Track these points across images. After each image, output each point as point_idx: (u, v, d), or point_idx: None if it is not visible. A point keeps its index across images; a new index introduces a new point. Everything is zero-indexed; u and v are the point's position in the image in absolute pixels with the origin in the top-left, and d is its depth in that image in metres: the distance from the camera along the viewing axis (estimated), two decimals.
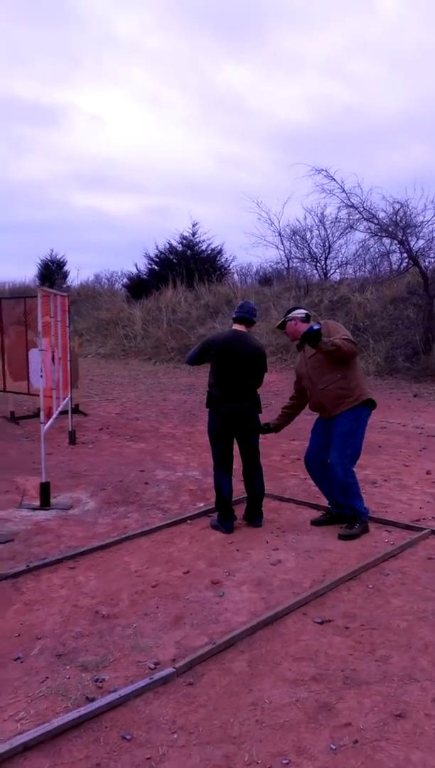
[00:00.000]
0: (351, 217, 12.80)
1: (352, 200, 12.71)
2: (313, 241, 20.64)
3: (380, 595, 3.46)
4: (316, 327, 4.05)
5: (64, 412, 9.70)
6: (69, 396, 7.61)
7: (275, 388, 12.31)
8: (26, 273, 38.40)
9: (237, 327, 4.59)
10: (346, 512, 4.52)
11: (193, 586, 3.60)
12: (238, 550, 4.14)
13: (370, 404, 4.43)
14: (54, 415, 6.83)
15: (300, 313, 4.62)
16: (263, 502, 4.70)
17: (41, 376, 5.48)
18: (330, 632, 3.07)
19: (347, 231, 14.16)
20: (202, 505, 5.14)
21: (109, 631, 3.11)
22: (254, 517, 4.62)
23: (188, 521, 4.73)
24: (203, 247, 24.38)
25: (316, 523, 4.61)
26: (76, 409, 9.73)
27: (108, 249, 44.47)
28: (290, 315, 4.60)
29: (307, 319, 4.61)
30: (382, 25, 43.39)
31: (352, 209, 12.67)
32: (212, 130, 49.28)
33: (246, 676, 2.69)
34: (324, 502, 5.08)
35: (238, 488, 5.03)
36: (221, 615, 3.27)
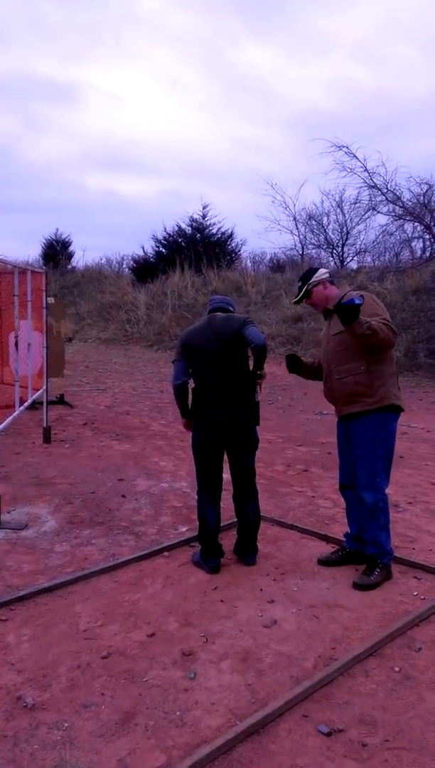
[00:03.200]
0: (373, 199, 11.73)
1: (374, 180, 11.64)
2: (330, 226, 19.65)
3: (410, 685, 2.51)
4: (357, 301, 3.09)
5: (53, 402, 8.82)
6: (44, 387, 6.68)
7: (283, 382, 11.34)
8: (30, 252, 37.21)
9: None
10: (366, 550, 3.55)
11: (155, 660, 2.68)
12: (222, 601, 3.20)
13: (396, 410, 3.46)
14: (17, 410, 5.92)
15: (324, 273, 3.60)
16: (260, 528, 3.76)
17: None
18: (340, 751, 2.14)
19: (368, 214, 13.13)
20: (185, 529, 4.20)
21: (28, 735, 2.20)
22: (247, 554, 3.69)
23: (165, 553, 3.80)
24: (214, 231, 23.39)
25: (324, 562, 3.66)
26: (60, 400, 8.84)
27: (120, 232, 43.40)
28: (314, 279, 3.55)
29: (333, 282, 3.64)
30: (415, 5, 41.61)
31: (374, 190, 11.63)
32: (233, 113, 47.83)
33: None
34: (335, 530, 4.13)
35: (228, 511, 4.10)
36: (189, 712, 2.34)
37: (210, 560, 3.56)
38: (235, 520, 3.90)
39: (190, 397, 3.63)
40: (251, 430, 3.60)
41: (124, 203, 43.03)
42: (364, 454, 3.44)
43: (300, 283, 3.61)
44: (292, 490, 5.14)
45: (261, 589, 3.33)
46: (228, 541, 3.88)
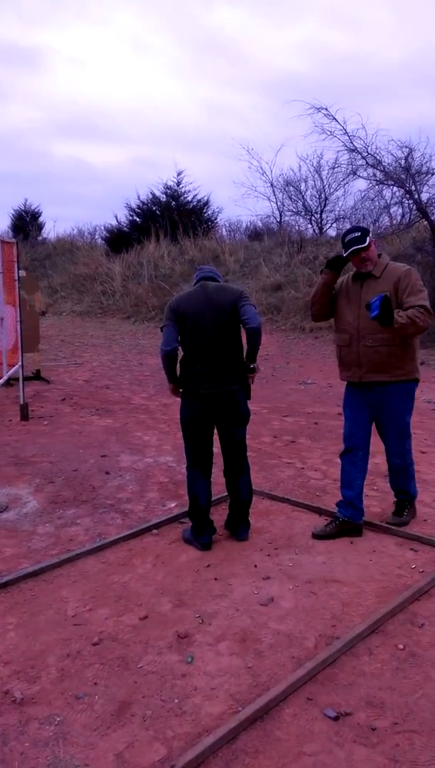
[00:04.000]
0: (353, 163, 11.45)
1: (354, 143, 11.35)
2: (308, 192, 19.25)
3: (416, 663, 2.43)
4: (374, 309, 3.20)
5: (29, 378, 8.54)
6: (19, 363, 6.44)
7: (264, 352, 11.18)
8: None
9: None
10: (356, 519, 3.53)
11: (150, 645, 2.55)
12: (216, 579, 3.08)
13: (417, 381, 3.64)
14: None
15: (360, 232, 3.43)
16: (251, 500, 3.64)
17: None
18: (349, 737, 2.04)
19: (348, 179, 12.81)
20: (173, 505, 4.07)
21: (18, 732, 2.06)
22: (239, 528, 3.57)
23: (154, 530, 3.66)
24: (189, 198, 22.86)
25: (319, 536, 3.56)
26: (37, 376, 8.58)
27: (91, 202, 42.26)
28: (370, 236, 3.45)
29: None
30: None
31: (354, 154, 11.32)
32: (203, 77, 46.56)
33: None
34: (328, 502, 4.03)
35: (218, 486, 3.97)
36: (188, 699, 2.23)
37: (201, 537, 3.43)
38: (225, 494, 3.77)
39: (178, 366, 3.46)
40: (242, 403, 3.45)
41: (94, 172, 41.87)
42: (394, 422, 3.58)
43: (359, 233, 3.41)
44: (280, 462, 5.03)
45: (255, 566, 3.22)
46: (218, 516, 3.76)
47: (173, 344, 3.38)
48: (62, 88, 50.16)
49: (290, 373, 9.28)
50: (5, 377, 5.88)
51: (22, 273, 20.15)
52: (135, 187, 46.76)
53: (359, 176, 11.55)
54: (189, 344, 3.39)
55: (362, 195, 15.80)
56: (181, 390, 3.49)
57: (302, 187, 19.20)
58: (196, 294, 3.39)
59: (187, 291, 3.46)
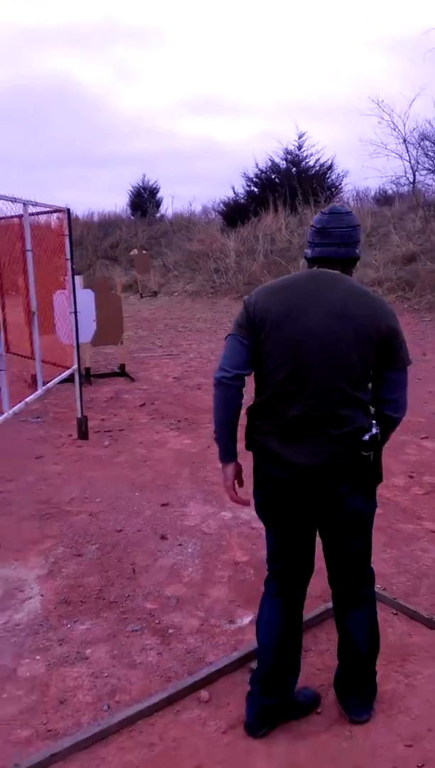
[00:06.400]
0: None
1: None
2: None
3: None
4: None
5: (111, 374, 7.34)
6: (75, 365, 5.15)
7: None
8: (117, 201, 35.38)
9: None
10: None
11: None
12: None
13: None
14: (30, 396, 4.44)
15: None
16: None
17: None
18: None
19: None
20: (248, 621, 2.52)
21: None
22: (351, 700, 1.97)
23: (202, 692, 2.14)
24: (311, 163, 20.73)
25: None
26: (121, 371, 7.34)
27: (213, 177, 40.89)
28: None
29: None
30: None
31: None
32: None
33: None
34: None
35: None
36: None
37: (253, 706, 1.89)
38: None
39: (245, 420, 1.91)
40: (358, 494, 1.82)
41: (218, 148, 40.37)
42: None
43: None
44: (421, 529, 3.30)
45: None
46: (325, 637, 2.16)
47: (236, 370, 1.82)
48: (184, 64, 48.98)
49: (430, 370, 7.30)
50: (45, 387, 4.62)
51: (134, 252, 19.36)
52: (254, 157, 44.92)
53: None
54: (265, 379, 1.82)
55: None
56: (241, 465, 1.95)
57: None
58: (301, 287, 1.81)
59: (285, 280, 1.88)
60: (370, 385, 1.85)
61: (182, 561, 3.03)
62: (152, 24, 48.75)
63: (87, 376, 7.01)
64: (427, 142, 16.67)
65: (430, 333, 9.70)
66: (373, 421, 1.82)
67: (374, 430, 1.80)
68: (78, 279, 6.37)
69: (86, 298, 6.33)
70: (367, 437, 1.78)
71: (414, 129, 20.91)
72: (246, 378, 1.84)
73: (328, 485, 1.80)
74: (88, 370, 7.05)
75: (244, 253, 17.43)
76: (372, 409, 1.85)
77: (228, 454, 1.92)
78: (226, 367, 1.83)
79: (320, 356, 1.73)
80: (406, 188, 17.90)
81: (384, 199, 18.62)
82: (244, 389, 1.85)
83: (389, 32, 33.99)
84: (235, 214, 20.63)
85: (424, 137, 16.70)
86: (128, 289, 18.06)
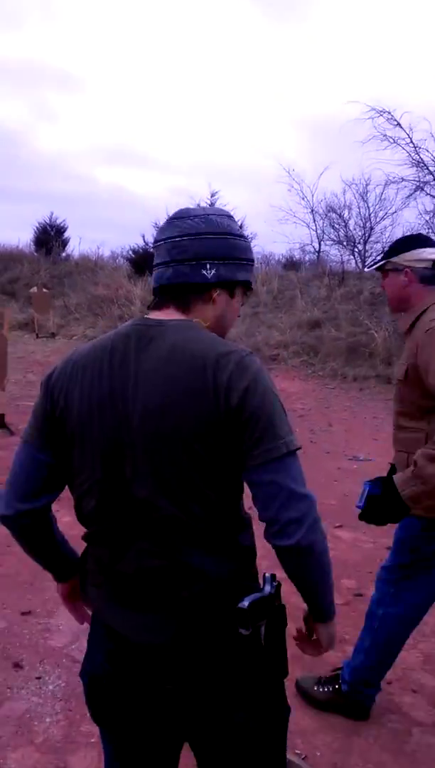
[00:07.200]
0: (419, 179, 9.34)
1: (421, 155, 9.26)
2: (352, 221, 17.22)
3: None
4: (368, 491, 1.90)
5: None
6: None
7: (300, 406, 8.96)
8: (21, 236, 34.36)
9: (155, 316, 1.23)
10: None
11: None
12: None
13: None
14: None
15: (428, 254, 1.97)
16: None
17: None
18: None
19: (413, 195, 10.68)
20: None
21: None
22: None
23: None
24: None
25: None
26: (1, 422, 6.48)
27: (127, 227, 40.81)
28: (404, 257, 2.00)
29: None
30: None
31: (420, 168, 9.21)
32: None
33: None
34: None
35: None
36: None
37: None
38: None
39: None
40: (253, 711, 1.16)
41: (130, 196, 40.46)
42: None
43: (390, 248, 2.11)
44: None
45: None
46: None
47: (23, 503, 1.20)
48: (102, 110, 49.42)
49: (335, 441, 7.02)
50: None
51: (34, 289, 18.35)
52: (166, 209, 45.48)
53: (428, 194, 9.42)
54: (80, 507, 1.20)
55: (411, 226, 13.60)
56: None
57: (345, 215, 17.19)
58: (114, 354, 1.15)
59: (100, 340, 1.22)
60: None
61: (39, 706, 2.30)
62: (76, 69, 49.08)
63: None
64: (334, 214, 17.29)
65: (334, 401, 9.56)
66: (267, 575, 1.12)
67: (267, 588, 1.10)
68: None
69: None
70: (246, 603, 1.05)
71: (322, 201, 21.82)
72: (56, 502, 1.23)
73: (182, 681, 1.14)
74: None
75: (150, 301, 17.05)
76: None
77: (58, 578, 1.35)
78: (10, 496, 1.19)
79: (143, 469, 1.09)
80: (310, 256, 18.42)
81: (291, 263, 19.04)
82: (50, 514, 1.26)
83: (302, 111, 36.13)
84: (143, 261, 20.34)
85: (330, 209, 17.33)
86: (24, 327, 17.08)
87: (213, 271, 1.17)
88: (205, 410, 1.06)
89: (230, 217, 1.25)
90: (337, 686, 2.30)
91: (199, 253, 1.17)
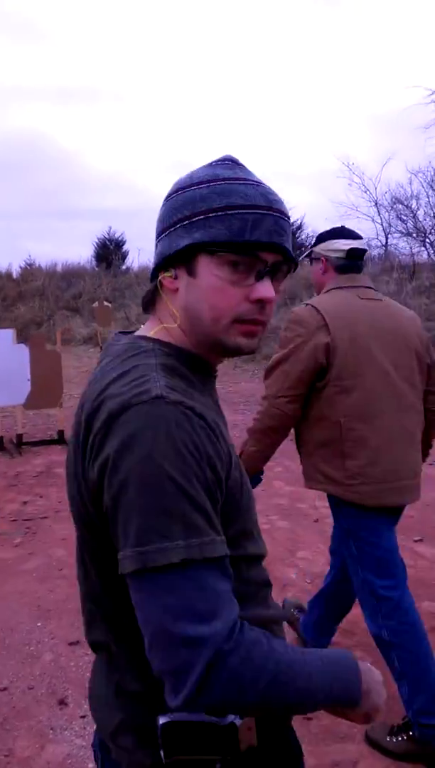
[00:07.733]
0: None
1: None
2: (421, 210, 16.47)
3: None
4: None
5: (47, 442, 6.24)
6: None
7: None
8: (83, 253, 34.94)
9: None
10: None
11: None
12: None
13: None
14: None
15: (342, 245, 2.13)
16: None
17: None
18: None
19: None
20: None
21: None
22: None
23: None
24: None
25: None
26: (60, 438, 6.42)
27: None
28: (320, 248, 2.18)
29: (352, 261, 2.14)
30: None
31: None
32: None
33: None
34: None
35: None
36: None
37: None
38: None
39: None
40: None
41: None
42: None
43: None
44: None
45: None
46: None
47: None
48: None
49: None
50: None
51: (96, 304, 18.62)
52: None
53: None
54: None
55: None
56: None
57: (413, 205, 16.46)
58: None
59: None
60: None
61: (81, 750, 2.08)
62: (125, 84, 50.08)
63: (18, 445, 6.07)
64: (400, 206, 16.61)
65: None
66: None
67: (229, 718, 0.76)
68: (8, 333, 5.55)
69: (18, 355, 5.50)
70: (161, 721, 0.75)
71: (386, 192, 21.11)
72: None
73: None
74: (20, 437, 6.11)
75: None
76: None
77: None
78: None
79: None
80: (377, 251, 17.75)
81: None
82: None
83: (357, 101, 35.31)
84: None
85: (396, 200, 16.66)
86: (89, 341, 17.34)
87: (156, 253, 0.89)
88: (79, 478, 0.79)
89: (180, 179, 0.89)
90: (411, 733, 1.99)
91: (156, 244, 0.90)
